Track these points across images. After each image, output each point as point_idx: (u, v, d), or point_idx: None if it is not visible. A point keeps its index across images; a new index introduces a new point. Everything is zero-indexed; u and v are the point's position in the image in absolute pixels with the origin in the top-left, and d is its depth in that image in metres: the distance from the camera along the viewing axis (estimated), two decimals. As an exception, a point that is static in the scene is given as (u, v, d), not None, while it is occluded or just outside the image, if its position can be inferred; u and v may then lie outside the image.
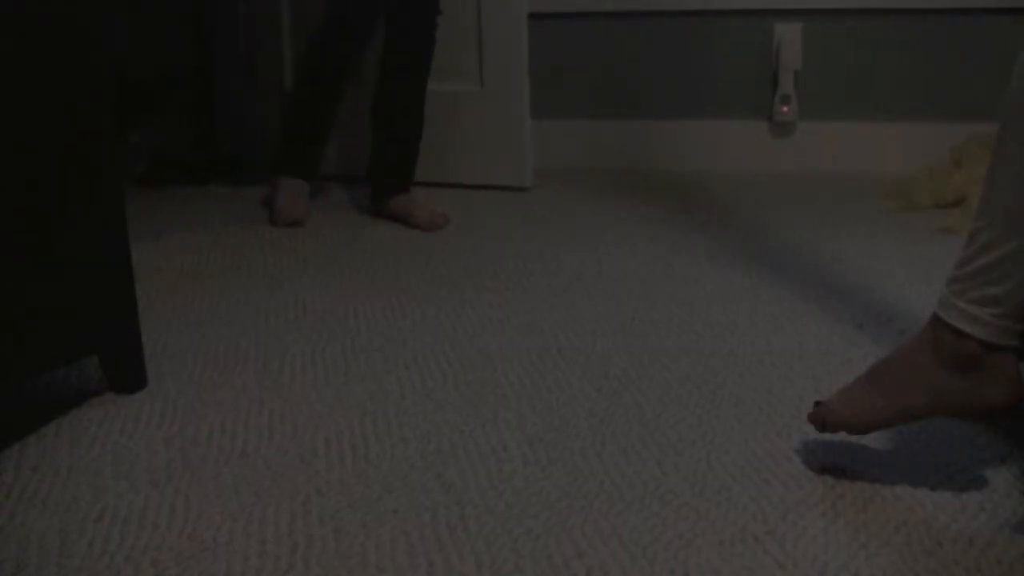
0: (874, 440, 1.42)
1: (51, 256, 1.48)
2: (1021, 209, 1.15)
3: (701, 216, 2.63)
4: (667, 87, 3.14)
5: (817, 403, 1.35)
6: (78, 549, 1.22)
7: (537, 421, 1.52)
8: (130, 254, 1.61)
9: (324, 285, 2.16)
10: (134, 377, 1.65)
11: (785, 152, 3.12)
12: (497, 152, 2.89)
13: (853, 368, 1.62)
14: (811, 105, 3.08)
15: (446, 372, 1.71)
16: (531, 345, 1.81)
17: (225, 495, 1.33)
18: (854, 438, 1.39)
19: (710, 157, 3.13)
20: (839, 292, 2.04)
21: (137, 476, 1.39)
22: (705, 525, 1.24)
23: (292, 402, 1.61)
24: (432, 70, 2.65)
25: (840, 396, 1.33)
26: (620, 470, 1.37)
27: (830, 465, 1.37)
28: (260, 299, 2.08)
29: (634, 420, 1.52)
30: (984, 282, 1.19)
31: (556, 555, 1.18)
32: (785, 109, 3.06)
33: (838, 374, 1.64)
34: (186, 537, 1.24)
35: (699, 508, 1.27)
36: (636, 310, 1.97)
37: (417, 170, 2.70)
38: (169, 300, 2.08)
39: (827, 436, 1.41)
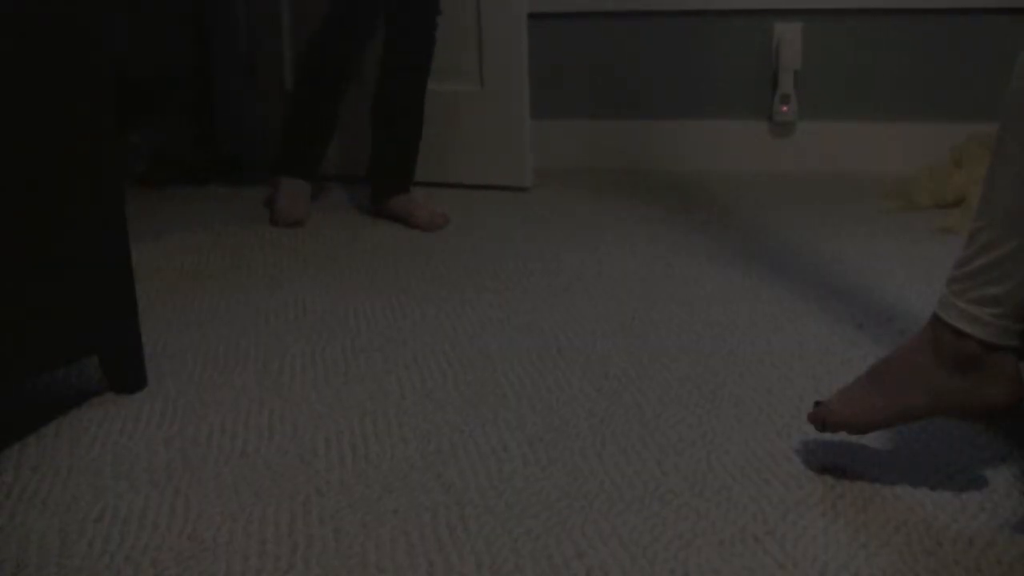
0: (874, 440, 1.42)
1: (51, 256, 1.48)
2: (1021, 209, 1.15)
3: (701, 216, 2.63)
4: (667, 87, 3.14)
5: (817, 403, 1.35)
6: (78, 549, 1.22)
7: (537, 421, 1.52)
8: (130, 254, 1.61)
9: (324, 285, 2.16)
10: (134, 377, 1.65)
11: (785, 152, 3.11)
12: (497, 152, 2.89)
13: (853, 368, 1.62)
14: (811, 105, 3.08)
15: (446, 372, 1.71)
16: (531, 345, 1.81)
17: (225, 495, 1.33)
18: (854, 438, 1.39)
19: (710, 157, 3.13)
20: (839, 292, 2.04)
21: (137, 476, 1.39)
22: (705, 525, 1.24)
23: (292, 402, 1.61)
24: (432, 70, 2.65)
25: (840, 396, 1.33)
26: (620, 470, 1.37)
27: (830, 465, 1.37)
28: (260, 299, 2.08)
29: (634, 420, 1.52)
30: (984, 282, 1.19)
31: (556, 555, 1.18)
32: (785, 109, 3.06)
33: (838, 374, 1.64)
34: (186, 537, 1.24)
35: (699, 508, 1.27)
36: (636, 310, 1.97)
37: (417, 170, 2.70)
38: (169, 300, 2.08)
39: (827, 436, 1.41)
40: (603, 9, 3.11)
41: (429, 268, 2.26)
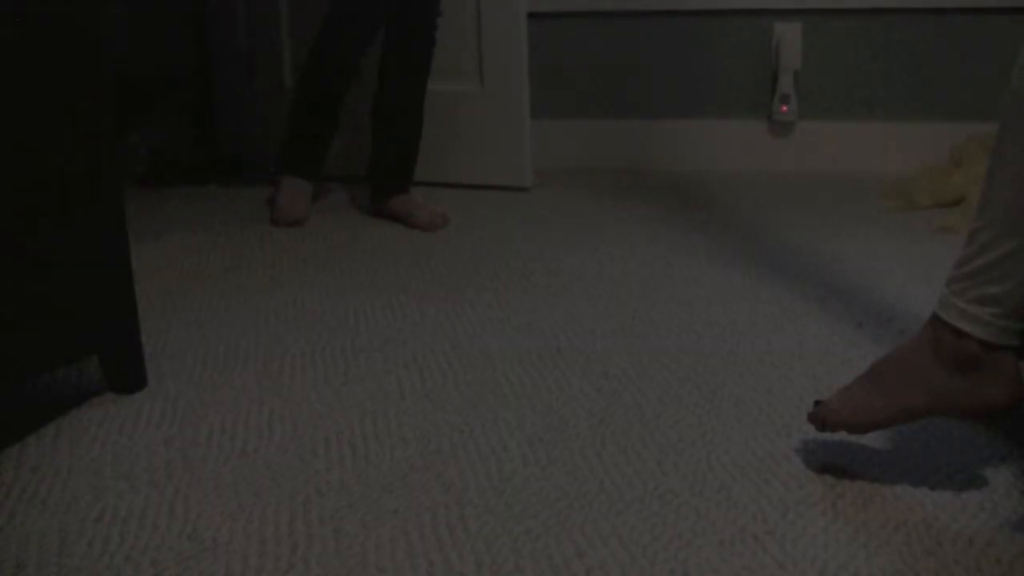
0: (874, 440, 1.42)
1: (51, 256, 1.48)
2: (1021, 209, 1.15)
3: (701, 216, 2.63)
4: (667, 87, 3.14)
5: (817, 403, 1.35)
6: (78, 549, 1.22)
7: (537, 421, 1.52)
8: (130, 254, 1.61)
9: (324, 285, 2.16)
10: (134, 377, 1.65)
11: (785, 152, 3.12)
12: (497, 152, 2.89)
13: (853, 368, 1.62)
14: (810, 105, 3.08)
15: (446, 372, 1.71)
16: (531, 345, 1.81)
17: (225, 495, 1.33)
18: (854, 438, 1.39)
19: (710, 157, 3.13)
20: (839, 292, 2.04)
21: (137, 476, 1.39)
22: (705, 525, 1.24)
23: (292, 402, 1.61)
24: (432, 70, 2.65)
25: (840, 396, 1.33)
26: (620, 470, 1.37)
27: (830, 465, 1.37)
28: (260, 299, 2.08)
29: (634, 420, 1.52)
30: (984, 282, 1.19)
31: (556, 555, 1.18)
32: (784, 109, 3.06)
33: (838, 374, 1.64)
34: (186, 537, 1.24)
35: (699, 508, 1.27)
36: (636, 310, 1.97)
37: (417, 170, 2.70)
38: (169, 300, 2.08)
39: (827, 436, 1.41)
40: (603, 9, 3.11)
41: (429, 268, 2.26)
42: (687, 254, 2.31)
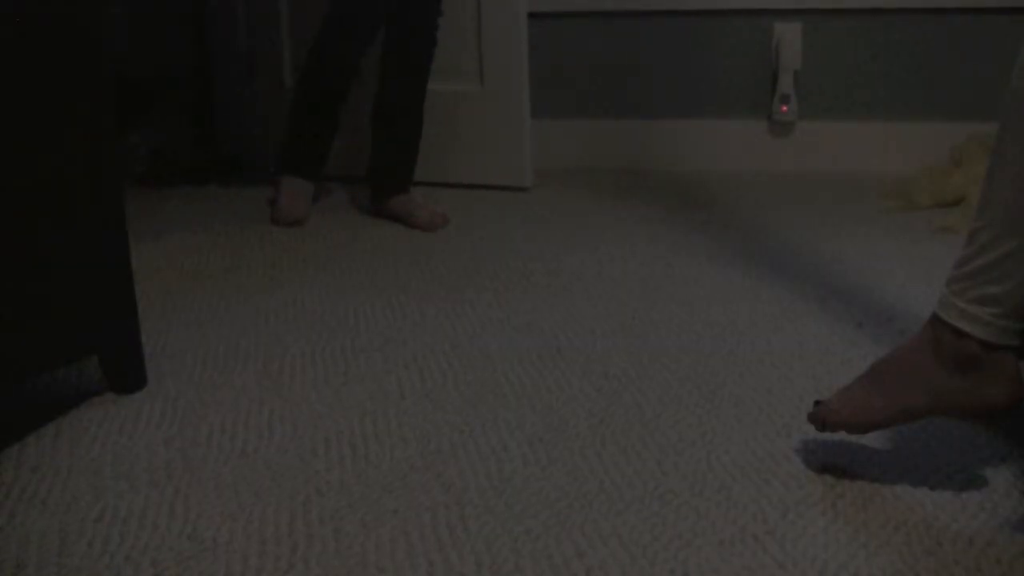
0: (874, 440, 1.42)
1: (51, 256, 1.48)
2: (1021, 209, 1.15)
3: (701, 216, 2.63)
4: (667, 87, 3.14)
5: (817, 403, 1.35)
6: (78, 549, 1.22)
7: (537, 421, 1.52)
8: (130, 254, 1.61)
9: (324, 285, 2.16)
10: (134, 377, 1.65)
11: (785, 152, 3.12)
12: (497, 152, 2.89)
13: (853, 368, 1.62)
14: (810, 105, 3.08)
15: (446, 372, 1.71)
16: (531, 345, 1.81)
17: (225, 495, 1.33)
18: (854, 438, 1.39)
19: (710, 157, 3.13)
20: (839, 292, 2.04)
21: (137, 476, 1.39)
22: (705, 525, 1.24)
23: (292, 402, 1.61)
24: (432, 70, 2.65)
25: (840, 396, 1.33)
26: (620, 470, 1.37)
27: (830, 465, 1.37)
28: (260, 299, 2.08)
29: (634, 420, 1.52)
30: (984, 282, 1.19)
31: (556, 555, 1.18)
32: (784, 109, 3.06)
33: (838, 374, 1.64)
34: (186, 537, 1.24)
35: (699, 508, 1.27)
36: (636, 310, 1.97)
37: (417, 170, 2.70)
38: (169, 300, 2.08)
39: (827, 436, 1.41)
40: (603, 9, 3.11)
41: (429, 268, 2.26)
42: (687, 254, 2.31)
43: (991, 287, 1.18)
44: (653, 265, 2.24)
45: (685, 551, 1.18)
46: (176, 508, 1.30)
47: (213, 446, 1.47)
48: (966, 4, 2.94)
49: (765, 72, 3.09)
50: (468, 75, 2.87)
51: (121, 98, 1.70)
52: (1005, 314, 1.19)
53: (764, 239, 2.42)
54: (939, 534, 1.20)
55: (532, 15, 2.88)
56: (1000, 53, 2.87)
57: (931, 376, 1.24)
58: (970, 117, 2.95)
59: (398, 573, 1.16)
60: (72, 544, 1.23)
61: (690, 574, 1.14)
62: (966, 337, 1.21)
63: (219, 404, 1.60)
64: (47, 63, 1.44)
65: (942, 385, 1.24)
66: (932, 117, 3.03)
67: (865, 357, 1.69)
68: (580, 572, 1.15)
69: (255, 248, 2.43)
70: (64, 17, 1.45)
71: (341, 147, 2.82)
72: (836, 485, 1.32)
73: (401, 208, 2.61)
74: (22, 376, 1.53)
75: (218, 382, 1.69)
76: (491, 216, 2.66)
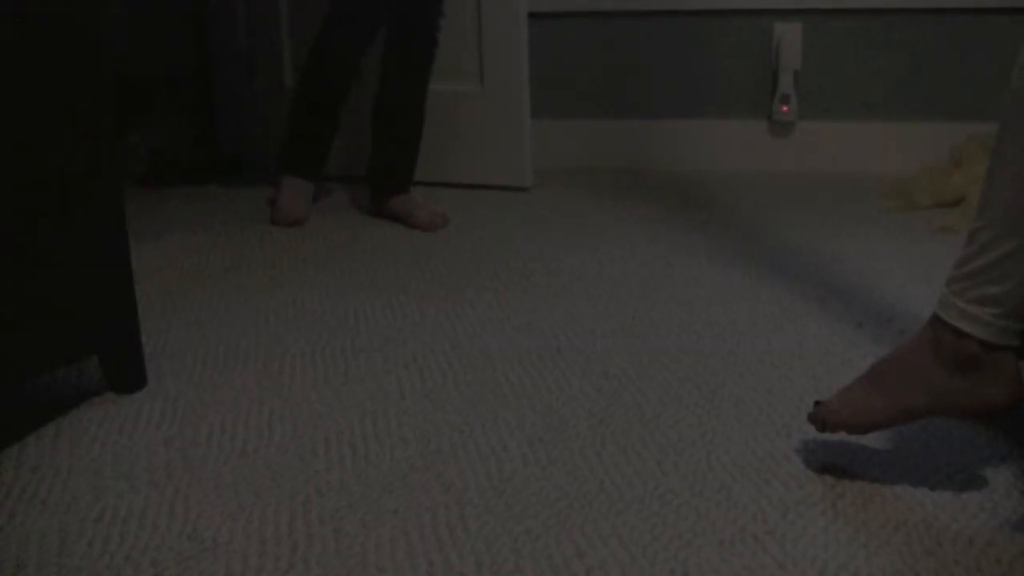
0: (874, 440, 1.42)
1: (51, 256, 1.48)
2: (1021, 209, 1.15)
3: (701, 216, 2.63)
4: (667, 87, 3.14)
5: (817, 403, 1.35)
6: (78, 549, 1.22)
7: (537, 421, 1.52)
8: (130, 254, 1.61)
9: (324, 285, 2.16)
10: (134, 377, 1.65)
11: (785, 152, 3.12)
12: (497, 152, 2.89)
13: (853, 368, 1.62)
14: (811, 105, 3.08)
15: (446, 372, 1.71)
16: (531, 345, 1.81)
17: (225, 495, 1.33)
18: (854, 438, 1.39)
19: (710, 157, 3.13)
20: (839, 292, 2.04)
21: (137, 476, 1.39)
22: (705, 525, 1.24)
23: (292, 402, 1.61)
24: (432, 70, 2.65)
25: (840, 396, 1.33)
26: (620, 470, 1.37)
27: (830, 465, 1.37)
28: (260, 299, 2.08)
29: (634, 420, 1.52)
30: (984, 282, 1.19)
31: (556, 555, 1.18)
32: (784, 109, 3.06)
33: (838, 374, 1.64)
34: (186, 537, 1.24)
35: (699, 508, 1.27)
36: (636, 310, 1.97)
37: (417, 170, 2.70)
38: (169, 300, 2.08)
39: (827, 436, 1.41)
40: (603, 9, 3.11)
41: (429, 268, 2.26)
42: (687, 254, 2.31)
43: (991, 287, 1.18)
44: (653, 265, 2.24)
45: (685, 551, 1.18)
46: (176, 508, 1.30)
47: (213, 446, 1.47)
48: (966, 4, 2.94)
49: (765, 72, 3.09)
50: (468, 75, 2.87)
51: (121, 98, 1.70)
52: (1005, 314, 1.19)
53: (764, 239, 2.42)
54: (939, 534, 1.20)
55: (532, 15, 2.88)
56: (1000, 53, 2.87)
57: (931, 376, 1.24)
58: (970, 117, 2.95)
59: (398, 573, 1.16)
60: (72, 544, 1.23)
61: (690, 574, 1.14)
62: (966, 337, 1.21)
63: (219, 404, 1.60)
64: (47, 63, 1.44)
65: (942, 385, 1.24)
66: (932, 117, 3.03)
67: (865, 357, 1.69)
68: (580, 572, 1.15)
69: (255, 248, 2.43)
70: (64, 17, 1.45)
71: (341, 147, 2.82)
72: (836, 485, 1.32)
73: (401, 208, 2.61)
74: (22, 376, 1.53)
75: (218, 382, 1.69)
76: (491, 216, 2.66)
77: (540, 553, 1.19)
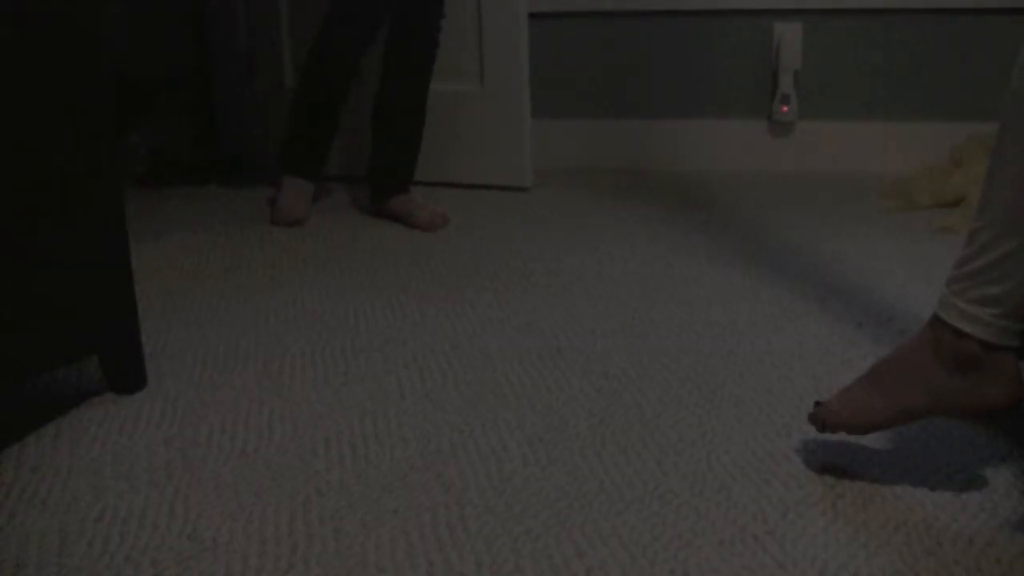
0: (874, 440, 1.42)
1: (51, 256, 1.48)
2: (1021, 209, 1.15)
3: (701, 216, 2.63)
4: (667, 87, 3.14)
5: (817, 403, 1.35)
6: (78, 549, 1.22)
7: (537, 421, 1.52)
8: (130, 254, 1.61)
9: (324, 285, 2.16)
10: (134, 377, 1.65)
11: (785, 152, 3.12)
12: (497, 152, 2.89)
13: (853, 368, 1.62)
14: (811, 105, 3.08)
15: (446, 372, 1.71)
16: (531, 345, 1.81)
17: (225, 495, 1.33)
18: (854, 438, 1.39)
19: (710, 157, 3.13)
20: (839, 292, 2.04)
21: (137, 476, 1.39)
22: (705, 525, 1.24)
23: (292, 402, 1.61)
24: (433, 70, 2.65)
25: (840, 397, 1.33)
26: (620, 470, 1.37)
27: (830, 465, 1.37)
28: (260, 299, 2.08)
29: (634, 420, 1.52)
30: (984, 282, 1.19)
31: (556, 555, 1.18)
32: (785, 109, 3.06)
33: (838, 374, 1.64)
34: (186, 537, 1.24)
35: (699, 508, 1.27)
36: (636, 310, 1.97)
37: (417, 170, 2.70)
38: (169, 300, 2.08)
39: (827, 436, 1.41)
40: (603, 9, 3.11)
41: (429, 268, 2.26)
42: (687, 254, 2.31)
43: (991, 287, 1.18)
44: (653, 265, 2.24)
45: (685, 551, 1.18)
46: (176, 508, 1.30)
47: (213, 446, 1.47)
48: (966, 4, 2.94)
49: (765, 72, 3.09)
50: (468, 75, 2.87)
51: (121, 98, 1.71)
52: (1005, 314, 1.19)
53: (764, 239, 2.42)
54: (939, 534, 1.20)
55: (532, 15, 2.88)
56: (1000, 53, 2.87)
57: (931, 376, 1.24)
58: (970, 117, 2.95)
59: (398, 573, 1.16)
60: (72, 544, 1.23)
61: (690, 574, 1.14)
62: (966, 337, 1.21)
63: (219, 404, 1.60)
64: (47, 63, 1.44)
65: (942, 385, 1.24)
66: (932, 117, 3.03)
67: (865, 357, 1.69)
68: (580, 572, 1.15)
69: (255, 248, 2.43)
70: (64, 17, 1.45)
71: (341, 147, 2.82)
72: (836, 485, 1.32)
73: (401, 208, 2.61)
74: (22, 376, 1.53)
75: (218, 382, 1.69)
76: (491, 216, 2.66)
77: (540, 553, 1.19)
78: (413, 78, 2.63)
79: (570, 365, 1.72)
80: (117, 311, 1.61)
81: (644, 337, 1.84)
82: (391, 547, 1.21)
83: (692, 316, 1.93)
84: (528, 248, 2.39)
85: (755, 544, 1.19)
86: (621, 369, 1.70)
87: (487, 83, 2.86)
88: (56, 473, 1.40)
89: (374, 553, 1.20)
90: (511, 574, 1.15)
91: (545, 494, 1.32)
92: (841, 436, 1.39)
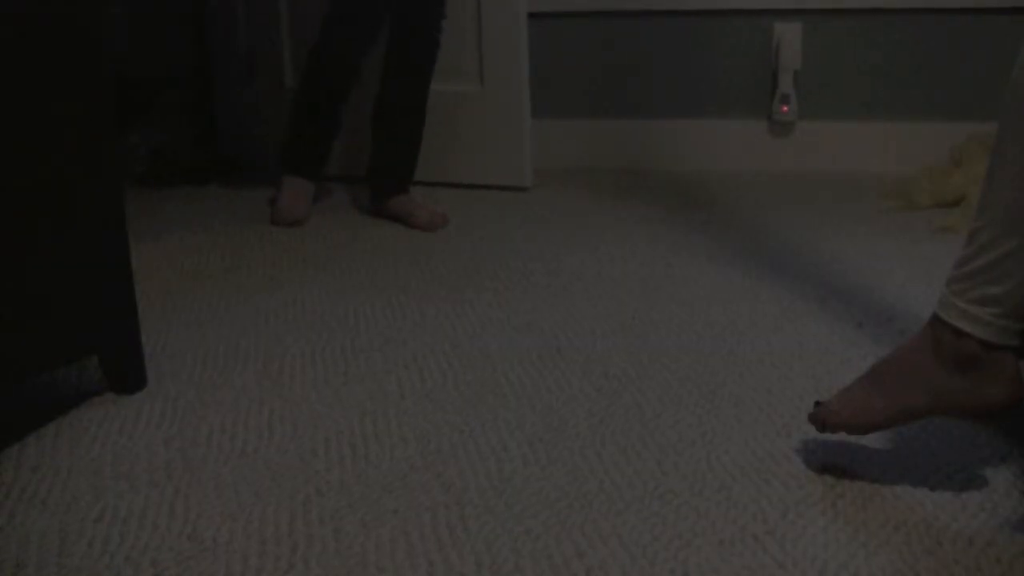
0: (874, 440, 1.42)
1: (51, 256, 1.48)
2: (1021, 208, 1.15)
3: (701, 216, 2.63)
4: (667, 87, 3.14)
5: (817, 403, 1.35)
6: (78, 549, 1.22)
7: (537, 421, 1.52)
8: (130, 254, 1.61)
9: (324, 285, 2.16)
10: (134, 377, 1.65)
11: (785, 152, 3.11)
12: (497, 152, 2.89)
13: (853, 368, 1.62)
14: (810, 105, 3.08)
15: (446, 372, 1.71)
16: (531, 345, 1.81)
17: (225, 495, 1.33)
18: (854, 438, 1.39)
19: (710, 157, 3.13)
20: (839, 292, 2.04)
21: (137, 476, 1.39)
22: (705, 525, 1.24)
23: (292, 402, 1.61)
24: (433, 71, 2.65)
25: (840, 396, 1.33)
26: (620, 470, 1.37)
27: (830, 465, 1.37)
28: (260, 299, 2.08)
29: (634, 420, 1.52)
30: (984, 281, 1.19)
31: (556, 555, 1.18)
32: (784, 109, 3.06)
33: (838, 374, 1.64)
34: (186, 537, 1.24)
35: (699, 508, 1.27)
36: (636, 310, 1.97)
37: (417, 170, 2.70)
38: (169, 300, 2.08)
39: (827, 436, 1.41)
40: (603, 9, 3.11)
41: (429, 268, 2.26)
42: (687, 254, 2.31)
43: (991, 287, 1.18)
44: (653, 265, 2.24)
45: (685, 551, 1.18)
46: (176, 508, 1.30)
47: (213, 446, 1.47)
48: (966, 4, 2.94)
49: (765, 72, 3.09)
50: (468, 75, 2.87)
51: (121, 98, 1.70)
52: (1005, 314, 1.19)
53: (764, 239, 2.42)
54: (939, 534, 1.20)
55: (532, 15, 2.88)
56: (1000, 53, 2.87)
57: (931, 376, 1.24)
58: (970, 117, 2.95)
59: (398, 573, 1.16)
60: (72, 544, 1.23)
61: (690, 574, 1.14)
62: (966, 337, 1.21)
63: (219, 404, 1.60)
64: (47, 63, 1.44)
65: (942, 385, 1.24)
66: (932, 117, 3.03)
67: (865, 357, 1.69)
68: (580, 572, 1.15)
69: (255, 248, 2.43)
70: (64, 17, 1.45)
71: (341, 147, 2.82)
72: (836, 485, 1.32)
73: (401, 208, 2.61)
74: (22, 376, 1.53)
75: (218, 382, 1.69)
76: (491, 216, 2.66)
77: (540, 553, 1.19)
78: (413, 78, 2.64)
79: (570, 365, 1.72)
80: (117, 311, 1.61)
81: (644, 337, 1.84)
82: (391, 547, 1.21)
83: (692, 316, 1.93)
84: (528, 248, 2.39)
85: (755, 544, 1.19)
86: (621, 369, 1.70)
87: (487, 83, 2.86)
88: (56, 473, 1.40)
89: (374, 553, 1.20)
90: (511, 574, 1.15)
91: (545, 494, 1.32)
92: (841, 436, 1.39)
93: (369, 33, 2.61)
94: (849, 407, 1.30)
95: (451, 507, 1.29)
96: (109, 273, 1.58)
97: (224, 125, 3.22)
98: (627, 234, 2.48)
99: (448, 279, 2.18)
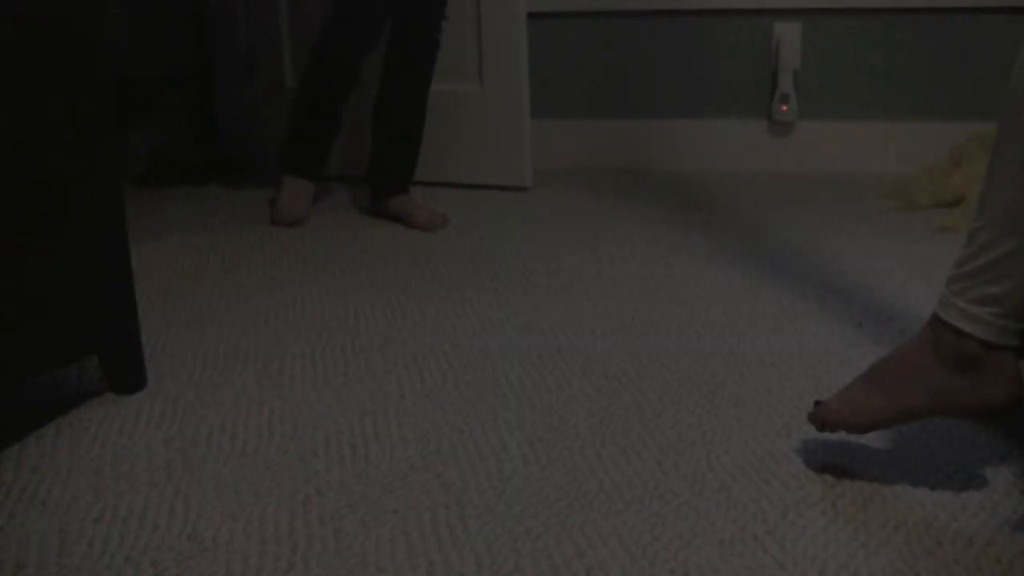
0: (874, 440, 1.42)
1: (51, 256, 1.48)
2: (1020, 208, 1.15)
3: (701, 216, 2.63)
4: (667, 87, 3.14)
5: (817, 403, 1.35)
6: (78, 549, 1.22)
7: (537, 421, 1.52)
8: (130, 254, 1.61)
9: (324, 285, 2.16)
10: (134, 377, 1.65)
11: (784, 152, 3.12)
12: (497, 152, 2.89)
13: (853, 368, 1.62)
14: (810, 105, 3.08)
15: (446, 372, 1.71)
16: (531, 345, 1.81)
17: (225, 495, 1.33)
18: (854, 438, 1.39)
19: (710, 157, 3.13)
20: (839, 292, 2.04)
21: (137, 476, 1.39)
22: (705, 525, 1.24)
23: (292, 402, 1.61)
24: (433, 71, 2.65)
25: (840, 396, 1.33)
26: (620, 470, 1.37)
27: (830, 465, 1.37)
28: (260, 299, 2.08)
29: (634, 420, 1.52)
30: (984, 281, 1.19)
31: (556, 555, 1.18)
32: (784, 109, 3.06)
33: (838, 374, 1.64)
34: (186, 537, 1.24)
35: (699, 508, 1.27)
36: (636, 310, 1.97)
37: (417, 170, 2.70)
38: (169, 300, 2.08)
39: (827, 436, 1.41)
40: (603, 9, 3.11)
41: (429, 268, 2.26)
42: (687, 254, 2.31)
43: (991, 287, 1.18)
44: (653, 265, 2.24)
45: (685, 551, 1.18)
46: (176, 508, 1.30)
47: (213, 446, 1.47)
48: (966, 4, 2.94)
49: (765, 72, 3.09)
50: (468, 75, 2.87)
51: (121, 98, 1.70)
52: (1005, 314, 1.19)
53: (764, 239, 2.42)
54: (939, 534, 1.20)
55: (532, 15, 2.88)
56: (1000, 53, 2.87)
57: (931, 376, 1.24)
58: (970, 117, 2.95)
59: (398, 573, 1.16)
60: (72, 544, 1.23)
61: (690, 574, 1.14)
62: (966, 337, 1.21)
63: (219, 404, 1.61)
64: (47, 63, 1.44)
65: (942, 385, 1.24)
66: (932, 117, 3.03)
67: (865, 357, 1.69)
68: (580, 572, 1.15)
69: (255, 248, 2.43)
70: (64, 17, 1.45)
71: (341, 147, 2.82)
72: (836, 485, 1.32)
73: (401, 208, 2.61)
74: (22, 376, 1.53)
75: (218, 382, 1.69)
76: (491, 216, 2.66)
77: (540, 553, 1.19)
78: (413, 78, 2.64)
79: (570, 365, 1.72)
80: (117, 311, 1.61)
81: (644, 337, 1.84)
82: (391, 547, 1.21)
83: (692, 316, 1.93)
84: (528, 248, 2.39)
85: (755, 544, 1.19)
86: (621, 369, 1.70)
87: (487, 83, 2.86)
88: (56, 473, 1.40)
89: (374, 553, 1.20)
90: (511, 574, 1.15)
91: (545, 494, 1.32)
92: (841, 436, 1.39)
93: (370, 33, 2.61)
94: (849, 406, 1.30)
95: (451, 507, 1.29)
96: (109, 273, 1.58)
97: (224, 125, 3.22)
98: (627, 234, 2.48)
99: (448, 279, 2.18)
